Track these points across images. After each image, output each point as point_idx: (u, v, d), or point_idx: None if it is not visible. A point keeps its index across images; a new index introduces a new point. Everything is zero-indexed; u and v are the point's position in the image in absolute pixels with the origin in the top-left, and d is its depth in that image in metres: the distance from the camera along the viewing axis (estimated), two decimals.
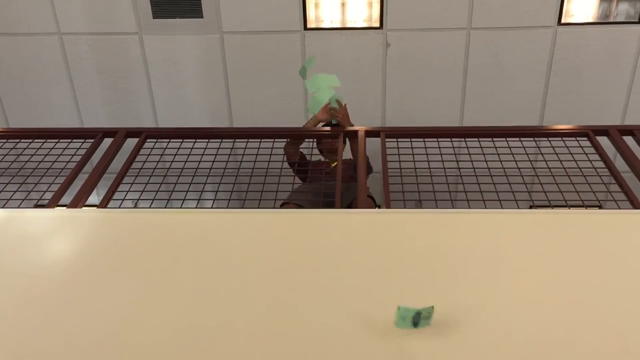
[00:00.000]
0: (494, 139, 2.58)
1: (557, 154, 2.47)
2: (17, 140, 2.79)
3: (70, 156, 2.61)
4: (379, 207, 2.95)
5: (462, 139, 2.64)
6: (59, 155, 2.63)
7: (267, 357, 1.32)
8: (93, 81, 3.89)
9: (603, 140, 2.57)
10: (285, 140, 2.86)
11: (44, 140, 2.74)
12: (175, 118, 3.96)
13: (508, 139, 2.59)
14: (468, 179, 2.34)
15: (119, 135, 2.74)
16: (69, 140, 2.73)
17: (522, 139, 2.61)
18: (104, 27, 3.72)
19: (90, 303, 1.51)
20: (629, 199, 2.21)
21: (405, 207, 2.17)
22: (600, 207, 2.43)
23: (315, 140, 3.12)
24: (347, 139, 2.89)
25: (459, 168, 2.43)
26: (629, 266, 1.61)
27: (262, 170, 2.45)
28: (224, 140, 2.72)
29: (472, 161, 2.44)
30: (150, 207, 2.24)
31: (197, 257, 1.69)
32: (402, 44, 3.66)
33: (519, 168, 2.39)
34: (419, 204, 2.31)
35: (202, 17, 3.65)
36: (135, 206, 2.59)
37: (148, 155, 2.61)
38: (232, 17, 3.65)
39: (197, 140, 2.71)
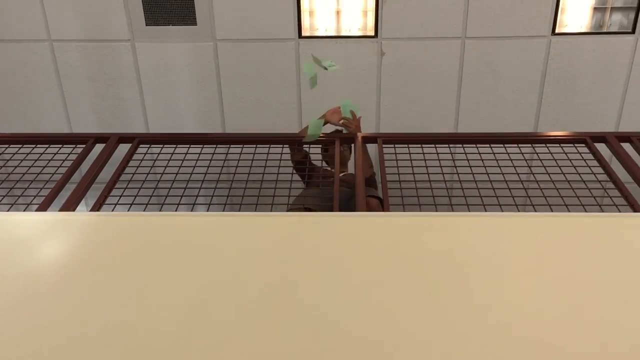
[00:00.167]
0: (492, 145, 2.57)
1: (555, 159, 2.46)
2: (6, 146, 2.73)
3: (61, 161, 2.55)
4: None
5: (460, 145, 2.62)
6: (49, 160, 2.56)
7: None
8: (84, 89, 3.84)
9: (599, 147, 2.56)
10: (283, 146, 2.79)
11: (33, 146, 2.68)
12: (167, 127, 3.91)
13: (505, 145, 2.58)
14: (467, 184, 2.32)
15: (111, 140, 2.69)
16: (60, 146, 2.67)
17: (520, 145, 2.60)
18: (95, 34, 3.67)
19: (82, 307, 1.46)
20: (629, 204, 2.19)
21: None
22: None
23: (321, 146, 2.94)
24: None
25: (458, 173, 2.41)
26: (632, 269, 1.58)
27: (258, 176, 2.41)
28: (218, 146, 2.68)
29: (470, 167, 2.42)
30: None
31: (195, 260, 1.65)
32: (396, 52, 3.66)
33: (518, 173, 2.38)
34: (418, 209, 2.28)
35: (195, 24, 3.62)
36: None
37: (141, 160, 2.55)
38: (226, 25, 3.63)
39: (191, 146, 2.67)
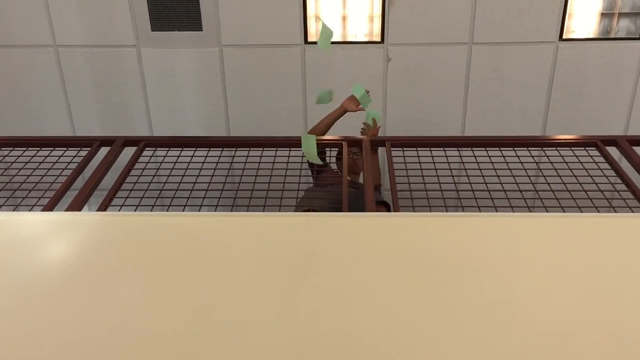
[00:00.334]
0: (502, 149, 2.54)
1: (566, 162, 2.43)
2: (10, 149, 2.70)
3: (66, 164, 2.52)
4: None
5: (469, 149, 2.59)
6: (54, 163, 2.53)
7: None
8: (88, 94, 3.83)
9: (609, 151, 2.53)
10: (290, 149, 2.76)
11: (38, 149, 2.65)
12: (172, 132, 3.89)
13: (515, 148, 2.55)
14: (477, 187, 2.29)
15: (116, 143, 2.66)
16: (64, 149, 2.65)
17: (529, 148, 2.57)
18: (101, 39, 3.67)
19: (88, 308, 1.43)
20: None
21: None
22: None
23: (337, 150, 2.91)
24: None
25: (468, 176, 2.38)
26: None
27: (266, 178, 2.38)
28: (224, 149, 2.65)
29: (480, 169, 2.39)
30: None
31: (202, 260, 1.61)
32: (403, 58, 3.64)
33: (528, 176, 2.34)
34: (428, 211, 2.24)
35: (201, 30, 3.61)
36: None
37: (146, 164, 2.52)
38: (231, 30, 3.62)
39: (197, 149, 2.64)
